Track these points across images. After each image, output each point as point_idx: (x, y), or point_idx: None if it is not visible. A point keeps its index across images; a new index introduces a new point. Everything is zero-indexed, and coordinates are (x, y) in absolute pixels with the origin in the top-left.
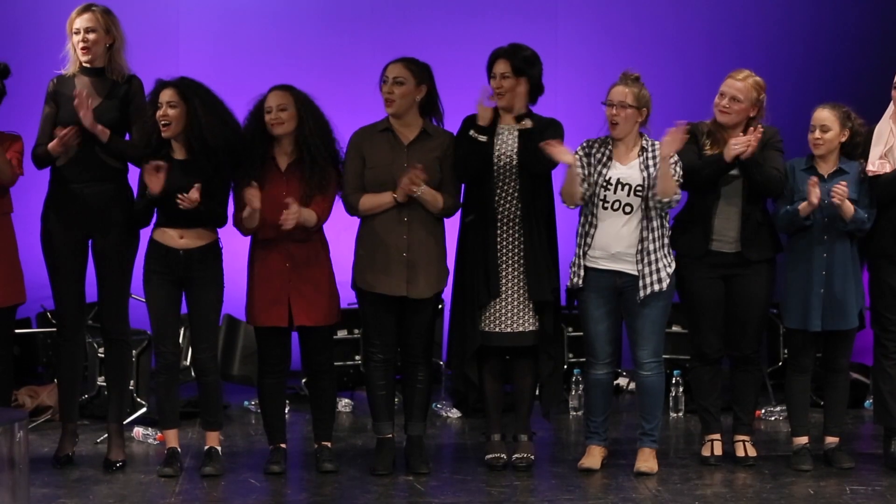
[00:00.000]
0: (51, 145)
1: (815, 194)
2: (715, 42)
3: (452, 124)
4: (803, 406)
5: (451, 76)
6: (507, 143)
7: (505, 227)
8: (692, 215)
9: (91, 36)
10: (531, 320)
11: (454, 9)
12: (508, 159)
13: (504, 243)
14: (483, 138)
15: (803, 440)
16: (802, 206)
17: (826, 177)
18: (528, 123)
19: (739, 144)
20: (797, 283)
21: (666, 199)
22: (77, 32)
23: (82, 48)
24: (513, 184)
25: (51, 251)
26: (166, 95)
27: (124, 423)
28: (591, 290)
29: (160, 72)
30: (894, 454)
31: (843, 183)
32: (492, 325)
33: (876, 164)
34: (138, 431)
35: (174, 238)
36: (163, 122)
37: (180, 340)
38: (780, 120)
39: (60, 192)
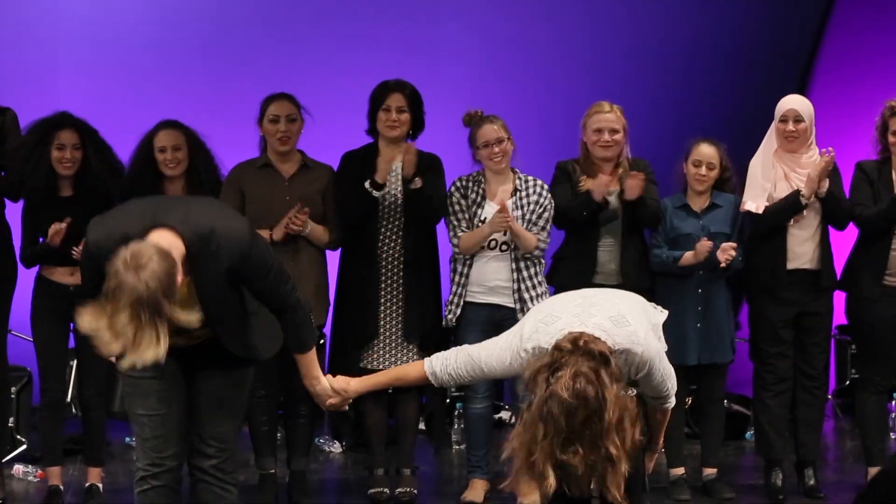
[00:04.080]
0: None
1: (703, 255)
2: (593, 75)
3: (329, 156)
4: (678, 437)
5: (333, 110)
6: (391, 182)
7: (387, 266)
8: (572, 251)
9: None
10: (414, 356)
11: (335, 43)
12: (393, 199)
13: (387, 281)
14: (378, 194)
15: (679, 471)
16: (687, 256)
17: (700, 212)
18: (418, 183)
19: (633, 190)
20: (672, 319)
21: (528, 255)
22: None
23: None
24: (397, 223)
25: None
26: (70, 138)
27: (3, 460)
28: (469, 324)
29: (40, 104)
30: (774, 484)
31: (734, 246)
32: (375, 363)
33: (749, 205)
34: (18, 469)
35: (64, 275)
36: (66, 163)
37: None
38: (646, 152)
39: None
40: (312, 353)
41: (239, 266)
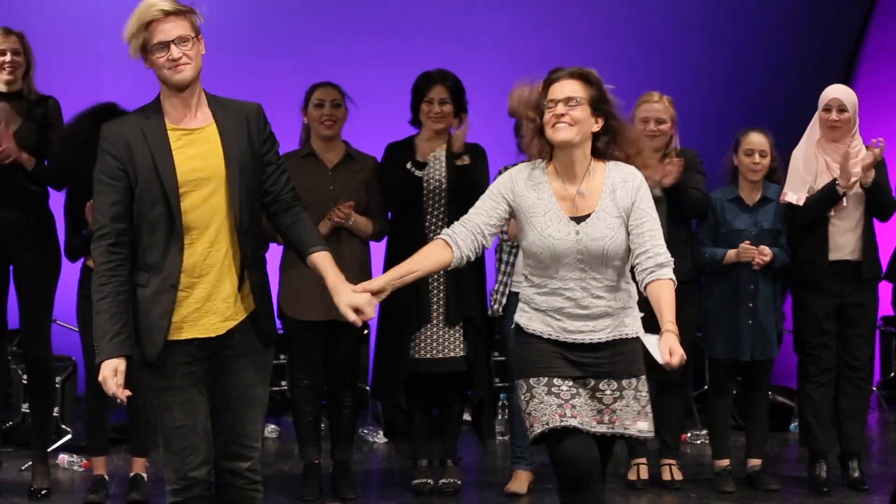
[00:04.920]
0: None
1: (745, 258)
2: (636, 68)
3: (370, 145)
4: (724, 428)
5: (372, 98)
6: (434, 167)
7: None
8: None
9: (17, 58)
10: (461, 346)
11: (375, 31)
12: (437, 184)
13: None
14: (420, 173)
15: (725, 462)
16: (730, 255)
17: (752, 206)
18: (466, 160)
19: (669, 176)
20: (723, 314)
21: None
22: (3, 53)
23: (9, 70)
24: (442, 209)
25: None
26: None
27: (49, 450)
28: (514, 314)
29: (83, 94)
30: (819, 476)
31: (766, 253)
32: (422, 352)
33: (790, 197)
34: (63, 458)
35: None
36: None
37: None
38: (692, 144)
39: None
40: (330, 255)
41: (256, 118)
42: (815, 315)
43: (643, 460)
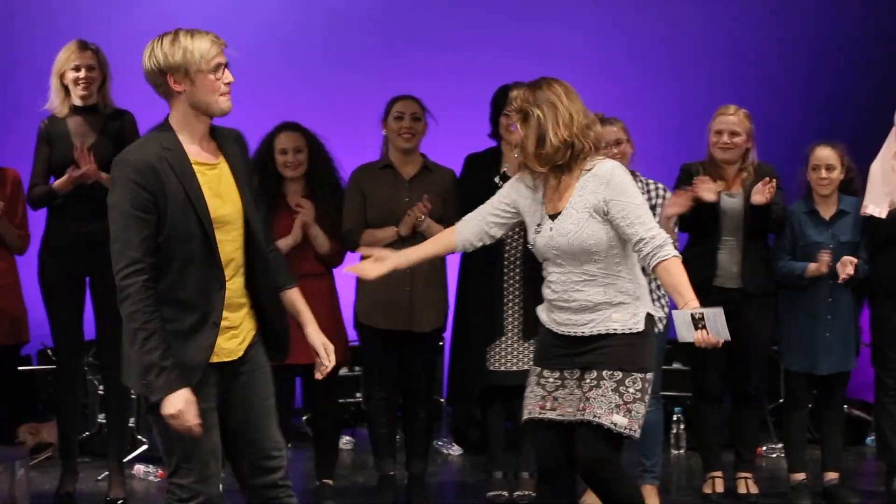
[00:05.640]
0: (59, 183)
1: (825, 265)
2: (713, 81)
3: (446, 157)
4: (800, 442)
5: (451, 115)
6: None
7: (510, 266)
8: (695, 252)
9: (92, 73)
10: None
11: (446, 45)
12: None
13: (509, 282)
14: None
15: (801, 476)
16: (811, 269)
17: (828, 219)
18: None
19: (760, 194)
20: (801, 327)
21: None
22: (77, 69)
23: (84, 86)
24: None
25: (49, 289)
26: None
27: (125, 460)
28: None
29: (161, 108)
30: None
31: (853, 261)
32: (497, 364)
33: (872, 209)
34: (139, 469)
35: None
36: None
37: None
38: (770, 156)
39: (58, 230)
40: (299, 291)
41: (244, 144)
42: (894, 328)
43: (719, 473)
